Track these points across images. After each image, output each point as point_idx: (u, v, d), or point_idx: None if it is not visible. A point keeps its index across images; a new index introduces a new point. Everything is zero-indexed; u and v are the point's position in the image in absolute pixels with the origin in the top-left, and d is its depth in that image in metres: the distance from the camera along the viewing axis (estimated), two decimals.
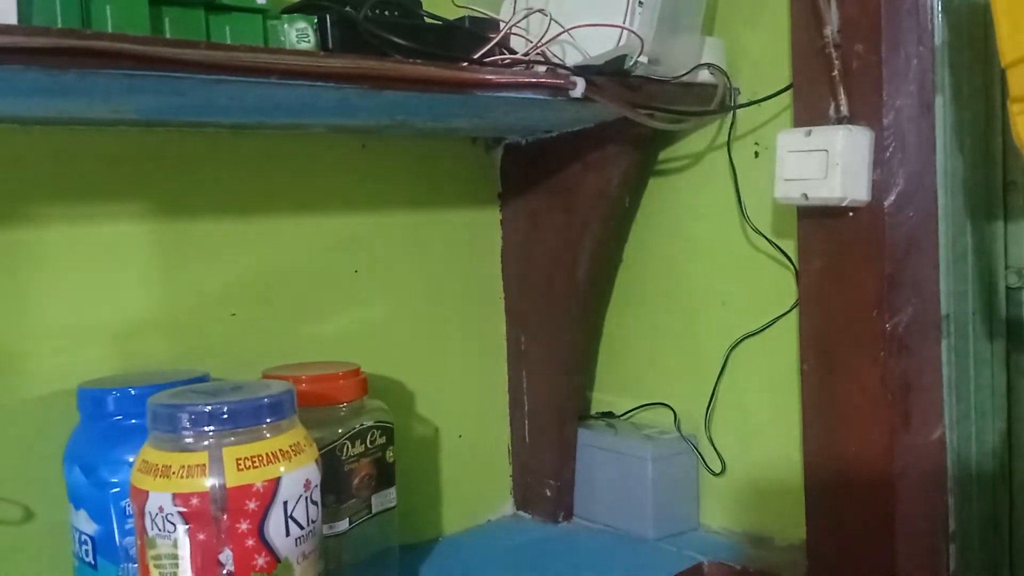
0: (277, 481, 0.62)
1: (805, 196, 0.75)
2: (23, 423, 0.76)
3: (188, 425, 0.61)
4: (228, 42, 0.66)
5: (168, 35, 0.63)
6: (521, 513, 1.07)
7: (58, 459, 0.73)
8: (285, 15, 0.71)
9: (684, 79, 0.86)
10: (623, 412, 1.05)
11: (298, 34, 0.70)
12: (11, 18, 0.55)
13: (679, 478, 0.97)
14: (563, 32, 0.82)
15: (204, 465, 0.60)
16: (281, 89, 0.65)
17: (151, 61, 0.56)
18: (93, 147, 0.78)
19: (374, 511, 0.82)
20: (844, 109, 0.75)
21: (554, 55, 0.83)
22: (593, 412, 1.08)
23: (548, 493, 1.03)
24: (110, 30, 0.59)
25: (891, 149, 0.74)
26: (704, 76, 0.87)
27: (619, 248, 1.04)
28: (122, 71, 0.56)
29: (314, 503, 0.65)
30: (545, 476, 1.04)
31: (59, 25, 0.57)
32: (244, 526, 0.61)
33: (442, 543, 1.00)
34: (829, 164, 0.73)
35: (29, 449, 0.76)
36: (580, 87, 0.77)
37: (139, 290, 0.81)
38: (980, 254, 0.85)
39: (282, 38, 0.70)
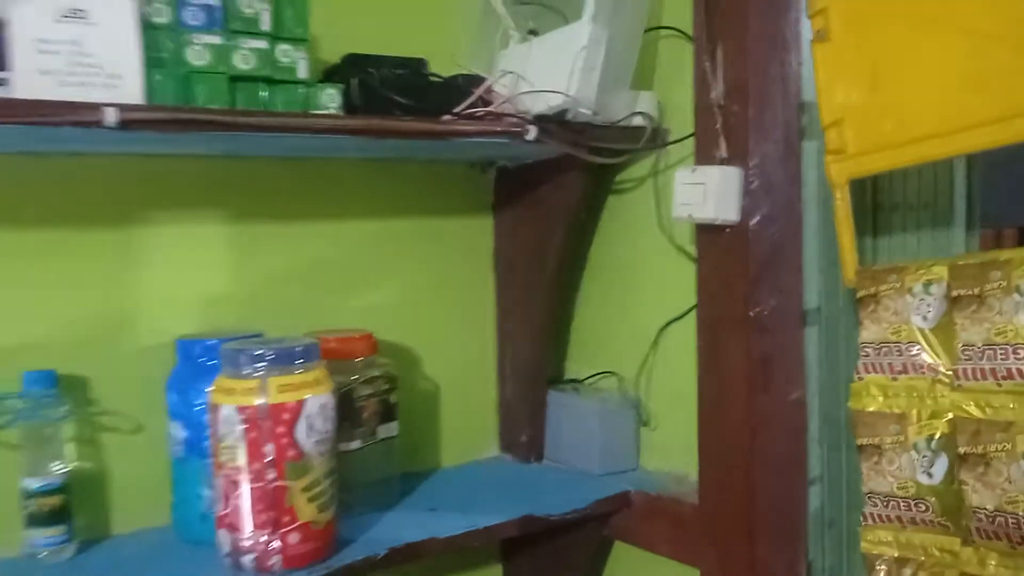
0: (303, 402, 0.93)
1: (691, 216, 1.03)
2: (136, 365, 1.09)
3: (246, 362, 0.92)
4: (280, 107, 0.96)
5: (240, 103, 0.94)
6: (503, 455, 1.37)
7: (160, 389, 1.06)
8: (319, 84, 1.01)
9: (621, 124, 1.13)
10: (585, 378, 1.33)
11: (328, 98, 1.00)
12: (139, 99, 0.87)
13: (620, 429, 1.24)
14: (527, 92, 1.10)
15: (256, 388, 0.91)
16: (316, 139, 0.96)
17: (230, 126, 0.87)
18: (186, 171, 1.11)
19: (379, 437, 1.12)
20: (724, 153, 1.02)
21: (523, 105, 1.12)
22: (564, 378, 1.36)
23: (524, 439, 1.32)
24: (203, 103, 0.91)
25: (756, 183, 1.00)
26: (638, 121, 1.15)
27: (585, 251, 1.32)
28: (212, 132, 0.87)
29: (329, 420, 0.96)
30: (522, 427, 1.33)
31: (171, 102, 0.89)
32: (281, 429, 0.92)
33: (439, 472, 1.30)
34: (706, 193, 1.00)
35: (140, 382, 1.08)
36: (532, 133, 1.05)
37: (218, 274, 1.14)
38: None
39: (317, 101, 1.00)
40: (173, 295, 1.11)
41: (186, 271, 1.11)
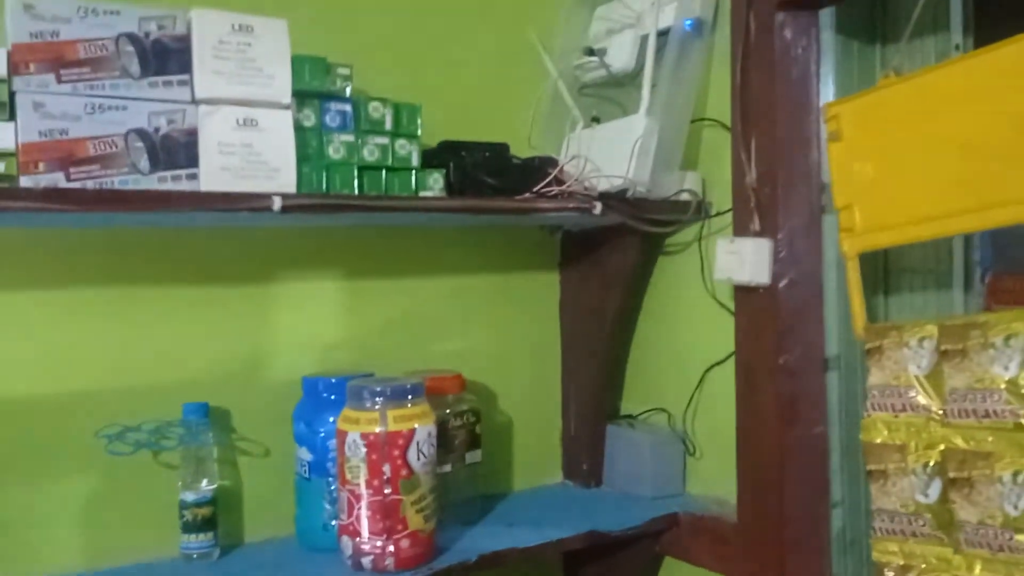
0: (414, 430, 1.14)
1: (731, 279, 1.23)
2: (268, 399, 1.31)
3: (369, 397, 1.14)
4: (396, 189, 1.19)
5: (366, 188, 1.17)
6: (567, 481, 1.57)
7: (285, 420, 1.28)
8: (427, 168, 1.24)
9: (671, 198, 1.35)
10: (638, 414, 1.53)
11: (433, 181, 1.23)
12: (292, 187, 1.10)
13: (669, 459, 1.44)
14: (593, 175, 1.32)
15: (376, 419, 1.13)
16: (423, 215, 1.19)
17: (368, 208, 1.10)
18: (310, 239, 1.34)
19: (467, 462, 1.33)
20: (757, 227, 1.22)
21: (589, 182, 1.33)
22: (621, 414, 1.57)
23: (585, 467, 1.53)
24: (337, 189, 1.14)
25: (783, 252, 1.21)
26: (685, 196, 1.36)
27: (639, 303, 1.52)
28: (346, 212, 1.10)
29: (432, 446, 1.17)
30: (583, 456, 1.53)
31: (314, 189, 1.12)
32: (396, 452, 1.13)
33: (511, 495, 1.50)
34: (743, 260, 1.20)
35: (269, 414, 1.30)
36: (598, 208, 1.27)
37: (334, 322, 1.37)
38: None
39: (425, 183, 1.22)
40: (299, 340, 1.33)
41: (309, 320, 1.34)
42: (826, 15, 1.24)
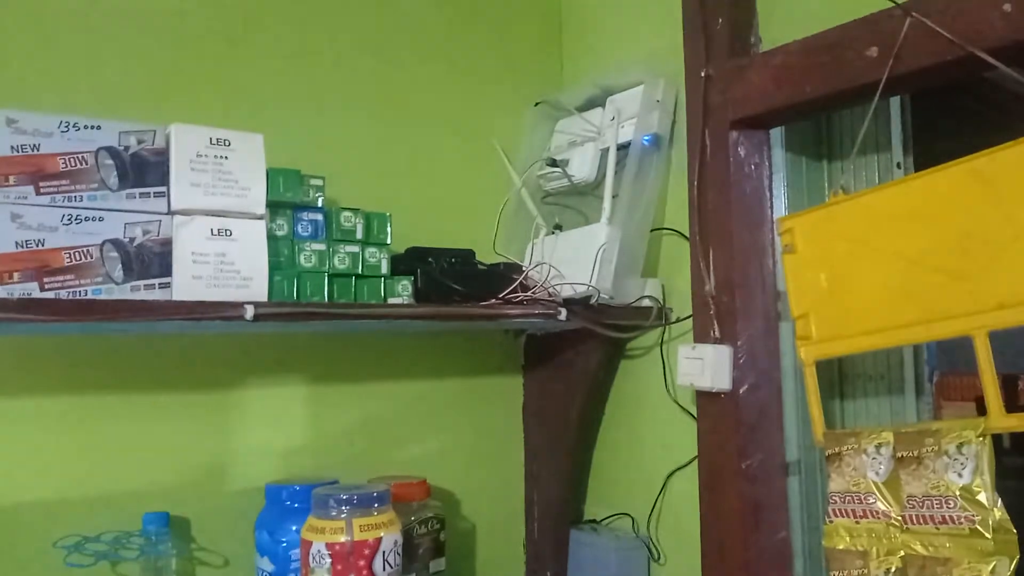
0: (380, 539, 1.13)
1: (692, 384, 1.26)
2: (229, 507, 1.29)
3: (335, 505, 1.13)
4: (366, 296, 1.21)
5: (336, 295, 1.19)
6: None
7: (246, 529, 1.26)
8: (395, 276, 1.27)
9: (632, 305, 1.39)
10: (602, 519, 1.53)
11: (402, 288, 1.26)
12: (264, 296, 1.11)
13: (634, 565, 1.43)
14: (558, 282, 1.36)
15: (342, 528, 1.12)
16: (393, 321, 1.21)
17: (330, 316, 1.12)
18: (274, 345, 1.35)
19: (431, 571, 1.31)
20: (717, 333, 1.26)
21: (554, 289, 1.37)
22: (584, 519, 1.56)
23: (549, 574, 1.51)
24: (308, 296, 1.16)
25: (743, 359, 1.25)
26: (646, 302, 1.40)
27: (602, 406, 1.55)
28: (317, 320, 1.12)
29: (398, 555, 1.16)
30: (547, 562, 1.52)
31: (285, 297, 1.14)
32: (362, 563, 1.12)
33: None
34: (704, 367, 1.24)
35: (230, 523, 1.28)
36: (563, 315, 1.30)
37: (297, 428, 1.36)
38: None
39: (394, 290, 1.25)
40: (261, 446, 1.33)
41: (272, 426, 1.34)
42: (776, 134, 1.32)
